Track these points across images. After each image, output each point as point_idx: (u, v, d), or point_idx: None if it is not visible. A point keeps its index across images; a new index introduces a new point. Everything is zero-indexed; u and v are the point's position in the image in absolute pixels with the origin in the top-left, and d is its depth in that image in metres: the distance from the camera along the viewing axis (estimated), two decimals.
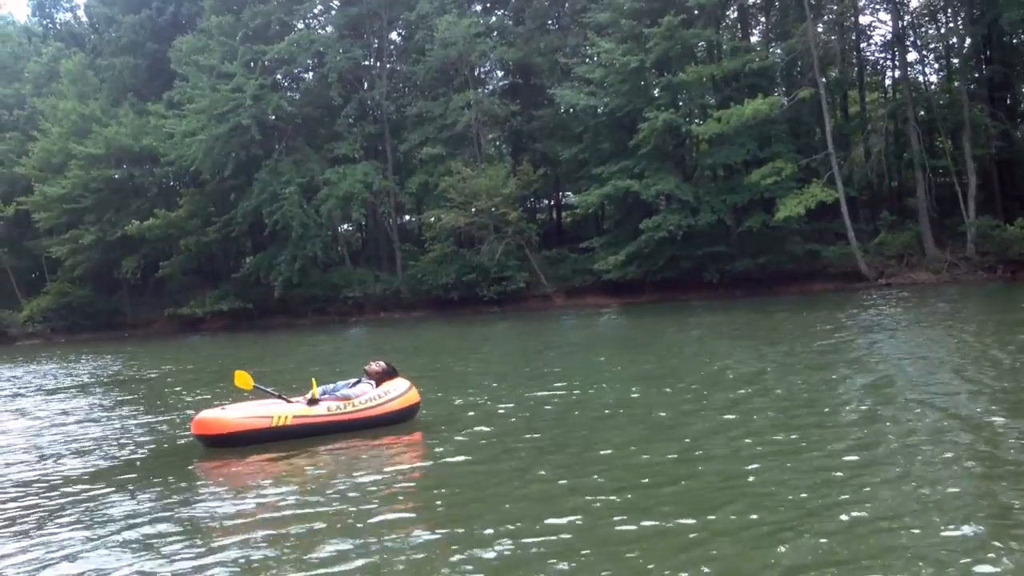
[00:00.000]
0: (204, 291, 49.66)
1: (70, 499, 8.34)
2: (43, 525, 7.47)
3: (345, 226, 51.43)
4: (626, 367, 16.28)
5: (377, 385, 10.79)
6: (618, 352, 19.74)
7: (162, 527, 7.14)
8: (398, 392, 10.75)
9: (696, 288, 38.33)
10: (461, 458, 9.07)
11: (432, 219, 44.23)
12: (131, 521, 7.35)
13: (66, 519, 7.60)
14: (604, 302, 39.29)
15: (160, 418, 13.44)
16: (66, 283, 53.31)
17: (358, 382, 10.86)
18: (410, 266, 45.07)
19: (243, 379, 10.39)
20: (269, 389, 10.70)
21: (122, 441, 11.54)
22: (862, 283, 35.23)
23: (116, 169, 49.56)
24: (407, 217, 51.90)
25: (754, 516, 6.34)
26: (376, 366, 11.03)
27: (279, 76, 48.02)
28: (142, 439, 11.60)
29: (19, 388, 21.41)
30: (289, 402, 10.32)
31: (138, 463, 9.99)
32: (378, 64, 48.77)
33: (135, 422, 13.31)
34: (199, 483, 8.92)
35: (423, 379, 13.63)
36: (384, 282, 45.65)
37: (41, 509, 8.05)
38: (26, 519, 7.71)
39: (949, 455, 7.67)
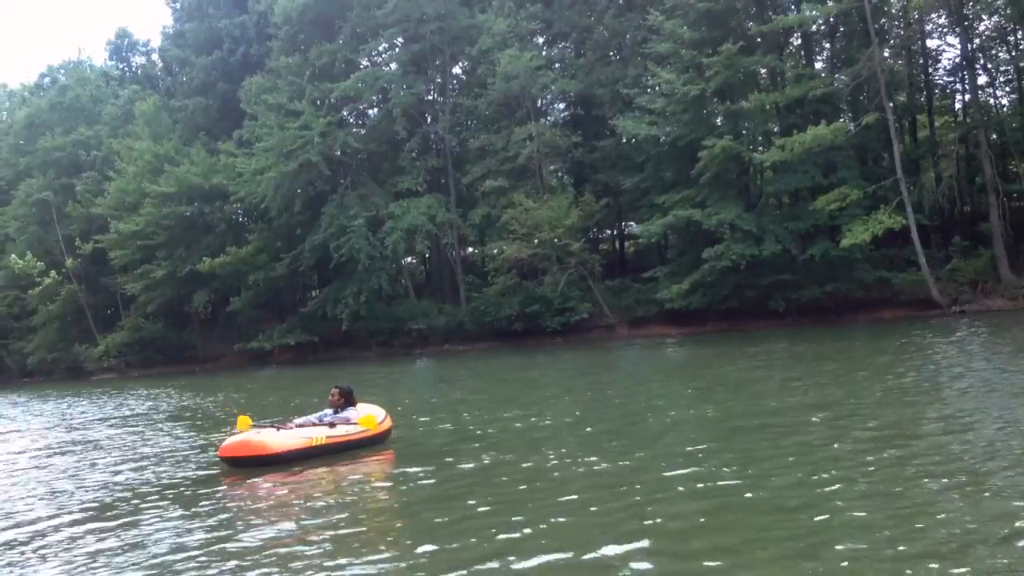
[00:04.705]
0: (271, 325, 50.46)
1: (101, 517, 8.97)
2: (74, 539, 8.03)
3: (409, 259, 51.90)
4: (672, 397, 16.11)
5: (343, 407, 12.24)
6: (670, 382, 19.51)
7: (185, 543, 7.58)
8: (383, 417, 12.37)
9: (762, 317, 37.72)
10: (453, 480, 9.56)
11: (495, 251, 44.32)
12: (160, 540, 7.76)
13: (96, 535, 8.15)
14: (668, 332, 38.89)
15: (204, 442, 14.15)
16: (140, 318, 54.73)
17: (336, 412, 12.23)
18: (473, 298, 45.22)
19: (244, 423, 11.67)
20: (264, 422, 12.09)
21: (166, 462, 12.48)
22: (935, 311, 34.30)
23: (187, 207, 50.82)
24: (470, 249, 52.21)
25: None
26: (335, 392, 12.39)
27: (345, 113, 48.86)
28: (184, 462, 12.43)
29: (76, 419, 22.45)
30: (288, 428, 11.63)
31: (178, 486, 10.50)
32: (441, 98, 49.34)
33: (183, 446, 14.13)
34: (222, 503, 9.40)
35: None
36: (448, 314, 45.85)
37: (73, 525, 8.67)
38: (55, 535, 8.29)
39: None
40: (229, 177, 48.84)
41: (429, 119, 49.46)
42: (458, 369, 31.19)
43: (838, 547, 6.07)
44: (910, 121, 44.14)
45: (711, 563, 5.98)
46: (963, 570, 5.46)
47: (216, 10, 57.40)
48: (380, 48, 50.30)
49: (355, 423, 11.95)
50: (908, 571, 5.50)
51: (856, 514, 6.89)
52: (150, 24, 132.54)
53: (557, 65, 47.67)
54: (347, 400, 12.34)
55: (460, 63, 50.93)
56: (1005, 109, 42.63)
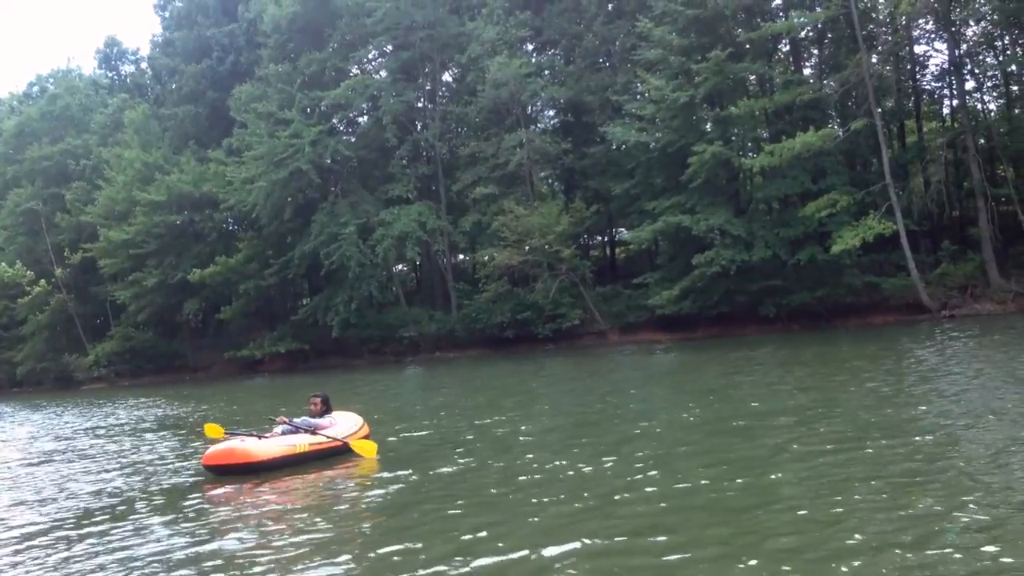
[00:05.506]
0: (262, 333, 50.39)
1: (86, 524, 9.05)
2: (58, 547, 8.12)
3: (399, 266, 51.86)
4: (652, 402, 16.14)
5: (322, 415, 12.44)
6: (653, 388, 19.53)
7: (168, 551, 7.62)
8: (360, 424, 12.71)
9: (753, 322, 37.75)
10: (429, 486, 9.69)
11: (486, 258, 44.33)
12: (146, 549, 7.77)
13: (76, 544, 8.21)
14: (659, 338, 38.92)
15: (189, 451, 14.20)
16: (129, 327, 54.58)
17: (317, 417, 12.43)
18: (464, 305, 45.16)
19: (213, 430, 11.91)
20: (241, 431, 12.17)
21: (151, 471, 12.48)
22: (924, 315, 34.37)
23: (178, 215, 50.78)
24: (461, 256, 52.19)
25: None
26: (316, 401, 12.48)
27: (335, 121, 48.86)
28: (169, 471, 12.46)
29: (64, 428, 22.57)
30: (266, 437, 11.70)
31: (162, 494, 10.56)
32: (431, 106, 49.36)
33: (169, 455, 14.22)
34: (205, 511, 9.46)
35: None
36: (439, 321, 45.81)
37: (58, 532, 8.79)
38: (40, 542, 8.39)
39: None
40: (219, 185, 48.75)
41: (419, 126, 49.46)
42: (447, 376, 31.19)
43: (786, 545, 6.19)
44: (898, 126, 44.28)
45: (670, 560, 6.14)
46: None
47: (205, 18, 57.42)
48: (370, 56, 50.38)
49: (332, 428, 12.07)
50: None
51: (800, 512, 7.12)
52: (139, 33, 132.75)
53: (547, 72, 47.72)
54: (326, 407, 12.51)
55: (450, 70, 51.05)
56: (993, 114, 42.79)
